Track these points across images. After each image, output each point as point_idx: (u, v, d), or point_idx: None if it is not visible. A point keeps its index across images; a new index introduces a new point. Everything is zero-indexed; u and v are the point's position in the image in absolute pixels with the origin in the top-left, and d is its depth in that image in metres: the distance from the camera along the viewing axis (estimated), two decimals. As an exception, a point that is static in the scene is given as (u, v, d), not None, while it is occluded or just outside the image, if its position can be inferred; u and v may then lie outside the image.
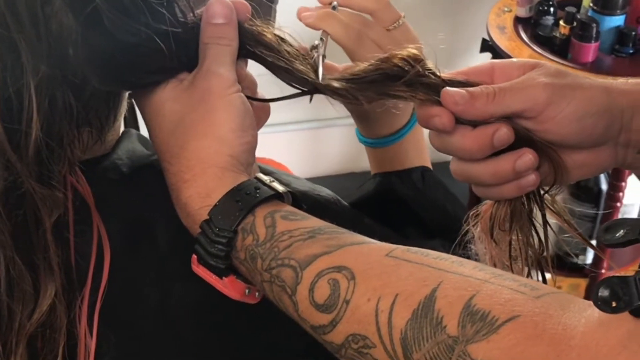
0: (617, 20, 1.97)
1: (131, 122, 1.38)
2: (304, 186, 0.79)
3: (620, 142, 0.71)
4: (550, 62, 0.78)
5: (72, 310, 0.66)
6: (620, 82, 0.72)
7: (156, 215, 0.71)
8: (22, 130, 0.60)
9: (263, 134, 0.71)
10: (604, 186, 2.12)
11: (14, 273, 0.62)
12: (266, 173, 0.70)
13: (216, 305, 0.68)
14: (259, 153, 0.72)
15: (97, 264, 0.68)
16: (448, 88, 0.69)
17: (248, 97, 0.69)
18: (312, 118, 2.66)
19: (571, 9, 2.00)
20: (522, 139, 0.70)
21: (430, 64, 0.71)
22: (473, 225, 0.75)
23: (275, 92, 0.72)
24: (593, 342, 0.48)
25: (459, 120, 0.69)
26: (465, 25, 2.50)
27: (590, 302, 0.50)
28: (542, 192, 0.74)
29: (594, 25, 1.93)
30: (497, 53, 2.00)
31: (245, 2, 0.72)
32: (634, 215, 2.23)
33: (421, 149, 0.92)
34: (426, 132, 0.76)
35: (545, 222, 0.75)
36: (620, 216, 2.11)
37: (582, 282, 2.17)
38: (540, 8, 2.05)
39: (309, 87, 0.71)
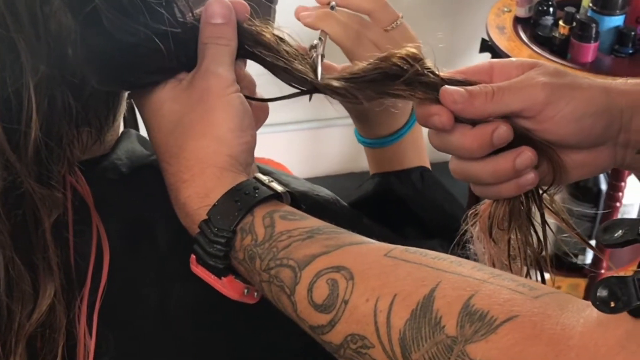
0: (617, 20, 1.98)
1: (131, 123, 1.38)
2: (303, 186, 0.79)
3: (619, 142, 0.71)
4: (549, 62, 0.78)
5: (72, 310, 0.66)
6: (620, 82, 0.72)
7: (156, 216, 0.71)
8: (22, 130, 0.60)
9: (262, 134, 0.71)
10: (604, 186, 2.12)
11: (13, 273, 0.62)
12: (265, 173, 0.70)
13: (215, 305, 0.68)
14: (259, 153, 0.72)
15: (96, 264, 0.68)
16: (447, 87, 0.69)
17: (247, 97, 0.69)
18: (311, 118, 2.66)
19: (570, 9, 2.00)
20: (521, 138, 0.70)
21: (429, 63, 0.71)
22: (472, 225, 0.75)
23: (274, 92, 0.72)
24: (591, 342, 0.48)
25: (458, 119, 0.69)
26: (465, 26, 2.50)
27: (589, 302, 0.50)
28: (540, 191, 0.74)
29: (594, 25, 1.93)
30: (496, 53, 2.00)
31: (244, 2, 0.72)
32: (634, 215, 2.23)
33: (420, 149, 0.92)
34: (425, 131, 0.76)
35: (543, 222, 0.75)
36: (619, 216, 2.11)
37: (582, 282, 2.17)
38: (540, 8, 2.05)
39: (308, 86, 0.71)
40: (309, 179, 0.84)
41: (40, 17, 0.60)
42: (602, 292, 0.49)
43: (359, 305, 0.58)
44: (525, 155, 0.69)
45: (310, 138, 2.76)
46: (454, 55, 2.48)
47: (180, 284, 0.69)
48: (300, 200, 0.69)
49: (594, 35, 1.93)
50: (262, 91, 0.74)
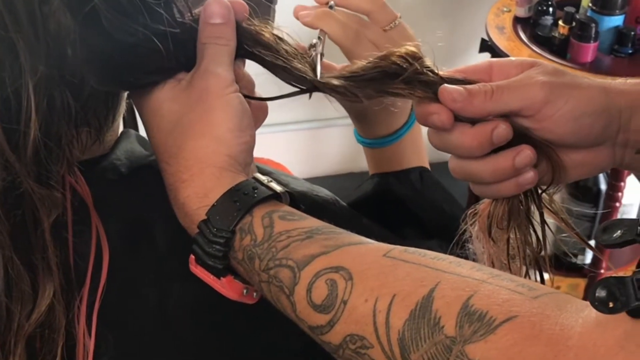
0: (616, 20, 1.98)
1: (130, 123, 1.38)
2: (303, 186, 0.79)
3: (618, 142, 0.71)
4: (549, 62, 0.78)
5: (71, 311, 0.66)
6: (619, 82, 0.72)
7: (155, 216, 0.71)
8: (21, 130, 0.60)
9: (262, 134, 0.71)
10: (603, 186, 2.12)
11: (12, 273, 0.62)
12: (264, 173, 0.70)
13: (215, 305, 0.68)
14: (258, 153, 0.72)
15: (95, 264, 0.68)
16: (446, 85, 0.69)
17: (246, 96, 0.69)
18: (311, 118, 2.66)
19: (570, 9, 2.00)
20: (520, 137, 0.70)
21: (428, 62, 0.71)
22: (471, 224, 0.75)
23: (273, 92, 0.72)
24: (590, 343, 0.48)
25: (458, 118, 0.69)
26: (464, 26, 2.50)
27: (588, 303, 0.50)
28: (540, 191, 0.74)
29: (593, 25, 1.93)
30: (496, 53, 2.00)
31: (243, 1, 0.72)
32: (633, 215, 2.23)
33: (419, 149, 0.92)
34: (424, 131, 0.76)
35: (543, 221, 0.75)
36: (619, 216, 2.11)
37: (581, 282, 2.18)
38: (539, 8, 2.05)
39: (307, 85, 0.71)
40: (308, 179, 0.84)
41: (39, 17, 0.60)
42: (601, 293, 0.49)
43: (358, 306, 0.58)
44: (525, 153, 0.69)
45: (309, 138, 2.76)
46: (453, 55, 2.48)
47: (179, 284, 0.69)
48: (300, 200, 0.69)
49: (593, 35, 1.93)
50: (261, 91, 0.74)
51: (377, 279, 0.58)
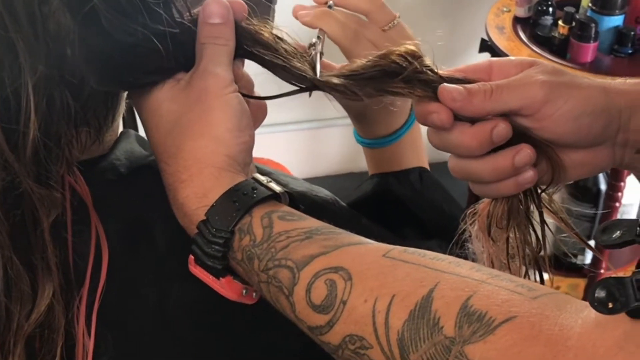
0: (616, 20, 1.98)
1: (130, 123, 1.38)
2: (302, 187, 0.79)
3: (618, 142, 0.71)
4: (548, 62, 0.78)
5: (70, 311, 0.66)
6: (619, 82, 0.72)
7: (154, 216, 0.71)
8: (20, 130, 0.60)
9: (262, 134, 0.71)
10: (603, 186, 2.12)
11: (11, 273, 0.62)
12: (264, 174, 0.70)
13: (214, 306, 0.68)
14: (258, 153, 0.71)
15: (95, 264, 0.68)
16: (446, 84, 0.69)
17: (246, 96, 0.69)
18: (311, 118, 2.66)
19: (570, 9, 2.00)
20: (520, 136, 0.70)
21: (428, 61, 0.71)
22: (470, 224, 0.75)
23: (273, 91, 0.72)
24: (590, 343, 0.48)
25: (457, 117, 0.69)
26: (464, 26, 2.50)
27: (587, 303, 0.50)
28: (539, 190, 0.74)
29: (593, 25, 1.93)
30: (496, 53, 2.01)
31: (242, 1, 0.72)
32: (633, 216, 2.23)
33: (419, 149, 0.92)
34: (424, 132, 0.76)
35: (542, 221, 0.75)
36: (619, 216, 2.11)
37: (581, 282, 2.18)
38: (539, 8, 2.05)
39: (307, 84, 0.71)
40: (308, 179, 0.84)
41: (39, 17, 0.60)
42: (600, 293, 0.48)
43: (358, 306, 0.58)
44: (525, 152, 0.69)
45: (309, 138, 2.76)
46: (453, 55, 2.48)
47: (179, 284, 0.69)
48: (299, 200, 0.69)
49: (593, 35, 1.93)
50: (260, 90, 0.74)
51: (376, 279, 0.58)
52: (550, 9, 2.05)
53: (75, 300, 0.66)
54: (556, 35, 2.01)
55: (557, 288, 2.04)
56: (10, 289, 0.63)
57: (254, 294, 0.67)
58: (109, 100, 0.71)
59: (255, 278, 0.64)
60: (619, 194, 2.05)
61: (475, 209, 0.75)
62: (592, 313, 0.49)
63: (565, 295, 0.54)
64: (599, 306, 0.49)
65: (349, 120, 0.92)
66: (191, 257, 0.66)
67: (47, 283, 0.63)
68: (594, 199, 2.12)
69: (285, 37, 0.73)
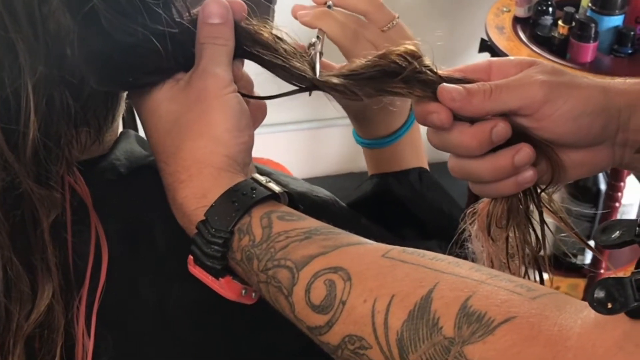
0: (616, 20, 1.98)
1: (130, 123, 1.38)
2: (302, 187, 0.79)
3: (617, 141, 0.71)
4: (548, 62, 0.79)
5: (70, 311, 0.66)
6: (618, 81, 0.72)
7: (154, 216, 0.71)
8: (20, 130, 0.60)
9: (261, 134, 0.71)
10: (603, 186, 2.12)
11: (11, 274, 0.62)
12: (264, 174, 0.70)
13: (214, 306, 0.68)
14: (258, 153, 0.71)
15: (95, 265, 0.68)
16: (445, 84, 0.69)
17: (245, 96, 0.69)
18: (311, 118, 2.66)
19: (570, 9, 2.00)
20: (519, 136, 0.70)
21: (427, 61, 0.71)
22: (470, 223, 0.75)
23: (272, 91, 0.72)
24: (589, 343, 0.48)
25: (457, 117, 0.69)
26: (464, 26, 2.50)
27: (586, 303, 0.50)
28: (539, 190, 0.74)
29: (593, 25, 1.93)
30: (495, 53, 2.01)
31: (242, 1, 0.72)
32: (633, 216, 2.23)
33: (418, 149, 0.92)
34: (423, 132, 0.76)
35: (542, 221, 0.75)
36: (619, 216, 2.11)
37: (581, 282, 2.18)
38: (539, 8, 2.05)
39: (307, 83, 0.71)
40: (308, 179, 0.84)
41: (39, 17, 0.60)
42: (600, 294, 0.48)
43: (357, 306, 0.58)
44: (524, 151, 0.69)
45: (309, 138, 2.76)
46: (453, 55, 2.48)
47: (178, 284, 0.69)
48: (299, 200, 0.69)
49: (593, 35, 1.93)
50: (260, 90, 0.74)
51: (375, 279, 0.58)
52: (550, 9, 2.05)
53: (75, 300, 0.66)
54: (556, 35, 2.01)
55: (557, 288, 2.04)
56: (10, 289, 0.63)
57: (253, 294, 0.67)
58: (109, 100, 0.71)
59: (255, 278, 0.64)
60: (619, 194, 2.05)
61: (474, 209, 0.75)
62: (591, 313, 0.49)
63: (565, 296, 0.54)
64: (598, 306, 0.49)
65: (348, 121, 0.92)
66: (190, 257, 0.66)
67: (47, 283, 0.63)
68: (593, 199, 2.12)
69: (284, 37, 0.73)
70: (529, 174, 0.71)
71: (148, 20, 0.64)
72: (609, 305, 0.48)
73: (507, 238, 0.73)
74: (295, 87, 0.72)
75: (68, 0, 0.62)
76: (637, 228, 0.55)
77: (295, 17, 0.86)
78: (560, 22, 2.00)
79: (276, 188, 0.67)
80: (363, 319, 0.57)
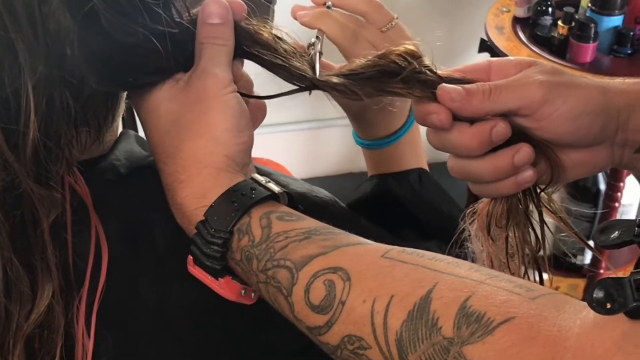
0: (616, 20, 1.98)
1: (130, 124, 1.38)
2: (302, 187, 0.79)
3: (617, 141, 0.71)
4: (548, 62, 0.78)
5: (70, 311, 0.66)
6: (617, 81, 0.72)
7: (154, 216, 0.71)
8: (20, 130, 0.60)
9: (261, 134, 0.71)
10: (602, 186, 2.12)
11: (11, 274, 0.62)
12: (264, 174, 0.70)
13: (214, 306, 0.68)
14: (257, 153, 0.71)
15: (94, 265, 0.68)
16: (444, 85, 0.69)
17: (244, 95, 0.69)
18: (310, 118, 2.66)
19: (569, 9, 2.00)
20: (519, 136, 0.70)
21: (427, 61, 0.71)
22: (470, 223, 0.75)
23: (272, 91, 0.72)
24: (588, 344, 0.48)
25: (456, 117, 0.70)
26: (464, 26, 2.50)
27: (586, 304, 0.50)
28: (538, 190, 0.74)
29: (592, 25, 1.93)
30: (495, 53, 2.01)
31: (242, 1, 0.72)
32: (632, 216, 2.23)
33: (418, 150, 0.92)
34: (423, 132, 0.76)
35: (542, 220, 0.75)
36: (618, 216, 2.11)
37: (581, 283, 2.18)
38: (539, 8, 2.05)
39: (307, 83, 0.71)
40: (307, 180, 0.84)
41: (39, 17, 0.60)
42: (599, 294, 0.48)
43: (356, 307, 0.58)
44: (524, 151, 0.69)
45: (309, 138, 2.76)
46: (452, 56, 2.48)
47: (178, 284, 0.69)
48: (299, 201, 0.69)
49: (592, 36, 1.93)
50: (260, 90, 0.74)
51: (375, 279, 0.58)
52: (550, 9, 2.05)
53: (74, 300, 0.66)
54: (555, 35, 2.01)
55: (557, 288, 2.04)
56: (9, 289, 0.63)
57: (253, 294, 0.67)
58: (108, 100, 0.71)
59: (254, 278, 0.64)
60: (619, 194, 2.05)
61: (474, 209, 0.75)
62: (590, 313, 0.49)
63: (564, 296, 0.54)
64: (597, 307, 0.49)
65: (348, 121, 0.92)
66: (190, 257, 0.66)
67: (47, 283, 0.63)
68: (593, 199, 2.12)
69: (284, 37, 0.73)
70: (528, 174, 0.71)
71: (148, 20, 0.64)
72: (608, 306, 0.48)
73: (506, 238, 0.73)
74: (295, 87, 0.72)
75: (68, 0, 0.62)
76: (636, 228, 0.55)
77: (295, 18, 0.86)
78: (559, 23, 2.00)
79: (275, 188, 0.67)
80: (362, 319, 0.57)
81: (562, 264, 2.00)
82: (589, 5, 1.98)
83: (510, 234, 0.73)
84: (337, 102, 0.84)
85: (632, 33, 1.97)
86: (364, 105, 0.84)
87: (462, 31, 2.48)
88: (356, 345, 0.57)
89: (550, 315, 0.51)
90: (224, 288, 0.66)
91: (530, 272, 0.75)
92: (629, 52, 1.98)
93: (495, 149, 0.70)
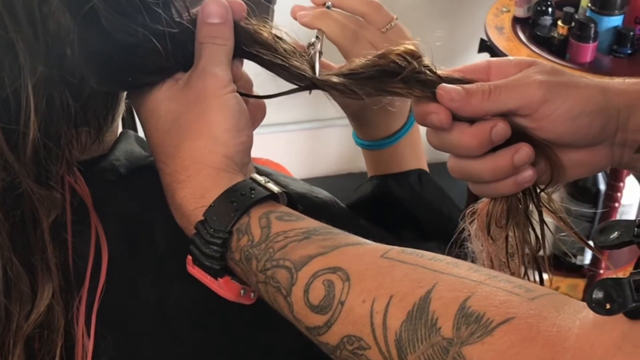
0: (615, 20, 1.98)
1: (130, 123, 1.38)
2: (302, 188, 0.79)
3: (616, 141, 0.71)
4: (547, 62, 0.79)
5: (70, 311, 0.66)
6: (617, 81, 0.72)
7: (154, 216, 0.71)
8: (20, 130, 0.60)
9: (261, 134, 0.71)
10: (602, 186, 2.12)
11: (11, 274, 0.62)
12: (263, 174, 0.70)
13: (214, 306, 0.68)
14: (257, 153, 0.71)
15: (94, 265, 0.68)
16: (444, 85, 0.69)
17: (244, 95, 0.69)
18: (310, 118, 2.66)
19: (569, 9, 2.00)
20: (519, 136, 0.70)
21: (427, 61, 0.71)
22: (470, 223, 0.75)
23: (272, 91, 0.72)
24: (587, 344, 0.48)
25: (456, 117, 0.70)
26: (464, 26, 2.50)
27: (585, 304, 0.50)
28: (538, 190, 0.74)
29: (592, 25, 1.93)
30: (495, 53, 2.01)
31: (242, 1, 0.72)
32: (632, 216, 2.23)
33: (418, 151, 0.92)
34: (423, 133, 0.76)
35: (541, 220, 0.75)
36: (618, 216, 2.11)
37: (581, 283, 2.18)
38: (539, 8, 2.05)
39: (306, 83, 0.71)
40: (307, 180, 0.84)
41: (39, 17, 0.60)
42: (598, 294, 0.49)
43: (355, 307, 0.58)
44: (524, 151, 0.69)
45: (309, 138, 2.75)
46: (452, 56, 2.48)
47: (178, 284, 0.69)
48: (299, 201, 0.69)
49: (592, 36, 1.93)
50: (260, 90, 0.74)
51: (374, 279, 0.58)
52: (550, 9, 2.05)
53: (74, 300, 0.66)
54: (555, 35, 2.01)
55: (557, 288, 2.04)
56: (9, 289, 0.63)
57: (252, 294, 0.67)
58: (109, 100, 0.71)
59: (254, 278, 0.64)
60: (618, 194, 2.05)
61: (474, 208, 0.75)
62: (590, 314, 0.50)
63: (563, 296, 0.54)
64: (597, 307, 0.49)
65: (348, 121, 0.92)
66: (189, 257, 0.66)
67: (47, 283, 0.63)
68: (593, 199, 2.12)
69: (284, 37, 0.73)
70: (528, 174, 0.71)
71: (148, 20, 0.64)
72: (608, 306, 0.48)
73: (506, 238, 0.73)
74: (294, 87, 0.72)
75: (68, 0, 0.62)
76: (636, 229, 0.55)
77: (295, 18, 0.86)
78: (559, 23, 2.00)
79: (275, 188, 0.67)
80: (362, 319, 0.57)
81: (562, 264, 2.00)
82: (589, 5, 1.98)
83: (510, 234, 0.73)
84: (337, 102, 0.84)
85: (632, 33, 1.97)
86: (364, 105, 0.84)
87: (462, 31, 2.48)
88: (355, 345, 0.57)
89: (550, 315, 0.51)
90: (223, 288, 0.66)
91: (530, 272, 0.75)
92: (629, 52, 1.98)
93: (495, 149, 0.70)
